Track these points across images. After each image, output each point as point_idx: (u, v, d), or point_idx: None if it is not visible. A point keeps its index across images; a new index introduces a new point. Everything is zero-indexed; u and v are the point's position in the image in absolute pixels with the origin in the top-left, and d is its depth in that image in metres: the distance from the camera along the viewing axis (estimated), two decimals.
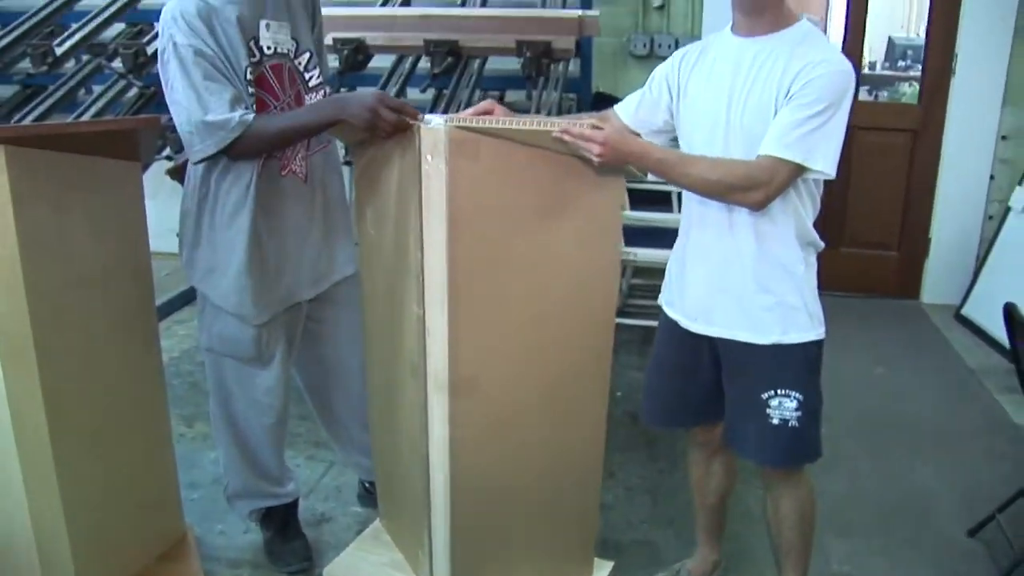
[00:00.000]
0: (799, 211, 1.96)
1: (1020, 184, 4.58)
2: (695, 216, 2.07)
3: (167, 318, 4.19)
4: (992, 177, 4.76)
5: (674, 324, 2.16)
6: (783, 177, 1.85)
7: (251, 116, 2.05)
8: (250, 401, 2.41)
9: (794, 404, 2.00)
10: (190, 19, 2.04)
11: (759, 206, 1.89)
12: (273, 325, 2.32)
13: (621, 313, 4.33)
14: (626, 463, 3.17)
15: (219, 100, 2.03)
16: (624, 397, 3.61)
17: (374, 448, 2.42)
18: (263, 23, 2.16)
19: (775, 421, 2.01)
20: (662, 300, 2.23)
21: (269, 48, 2.18)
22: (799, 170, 1.85)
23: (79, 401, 2.00)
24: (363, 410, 2.45)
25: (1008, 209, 4.61)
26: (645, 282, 4.67)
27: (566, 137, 1.73)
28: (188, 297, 4.17)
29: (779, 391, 2.00)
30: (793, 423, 2.00)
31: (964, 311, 4.70)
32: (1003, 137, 4.70)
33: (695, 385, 2.18)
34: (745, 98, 1.91)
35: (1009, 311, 2.54)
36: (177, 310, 4.30)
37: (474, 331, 1.84)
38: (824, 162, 1.84)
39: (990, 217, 4.80)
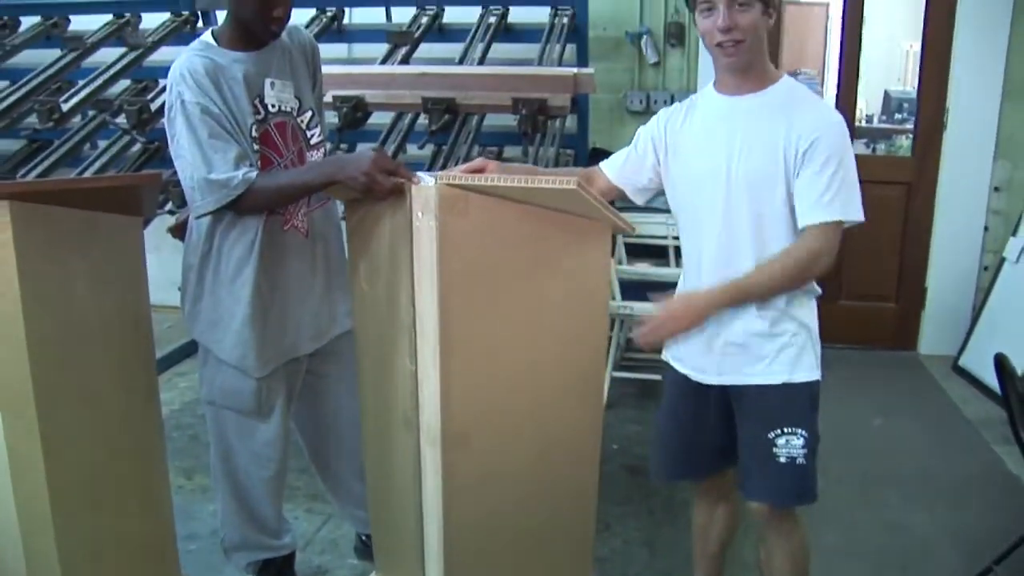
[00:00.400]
0: None
1: (1014, 235, 4.62)
2: (696, 269, 2.12)
3: (168, 370, 4.23)
4: (986, 228, 4.80)
5: (683, 378, 2.19)
6: (833, 237, 1.97)
7: (254, 174, 2.09)
8: (250, 454, 2.43)
9: (800, 442, 2.05)
10: (198, 77, 2.09)
11: (827, 270, 1.99)
12: (274, 378, 2.35)
13: (619, 367, 4.35)
14: (623, 516, 3.17)
15: (223, 158, 2.08)
16: (621, 450, 3.61)
17: (370, 500, 2.42)
18: (268, 82, 2.21)
19: (782, 460, 2.05)
20: (668, 356, 2.25)
21: (274, 106, 2.23)
22: (841, 225, 1.96)
23: (78, 452, 2.01)
24: (360, 463, 2.46)
25: (1003, 260, 4.64)
26: None
27: (650, 338, 2.02)
28: (189, 350, 4.22)
29: (786, 429, 2.05)
30: (800, 460, 2.05)
31: (961, 362, 4.71)
32: (995, 188, 4.74)
33: (706, 436, 2.22)
34: (747, 152, 1.99)
35: (1000, 361, 2.56)
36: (178, 362, 4.35)
37: (466, 385, 1.86)
38: (856, 211, 1.98)
39: (985, 268, 4.83)
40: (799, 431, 2.05)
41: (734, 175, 2.00)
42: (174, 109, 2.11)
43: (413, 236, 1.81)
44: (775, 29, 2.04)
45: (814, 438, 2.08)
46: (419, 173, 1.87)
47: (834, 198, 1.94)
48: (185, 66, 2.12)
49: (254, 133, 2.17)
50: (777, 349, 2.06)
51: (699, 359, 2.14)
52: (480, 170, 1.95)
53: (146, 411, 2.28)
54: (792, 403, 2.06)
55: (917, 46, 4.96)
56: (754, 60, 2.00)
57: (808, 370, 2.08)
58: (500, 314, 1.87)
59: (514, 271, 1.87)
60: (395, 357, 1.97)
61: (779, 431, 2.05)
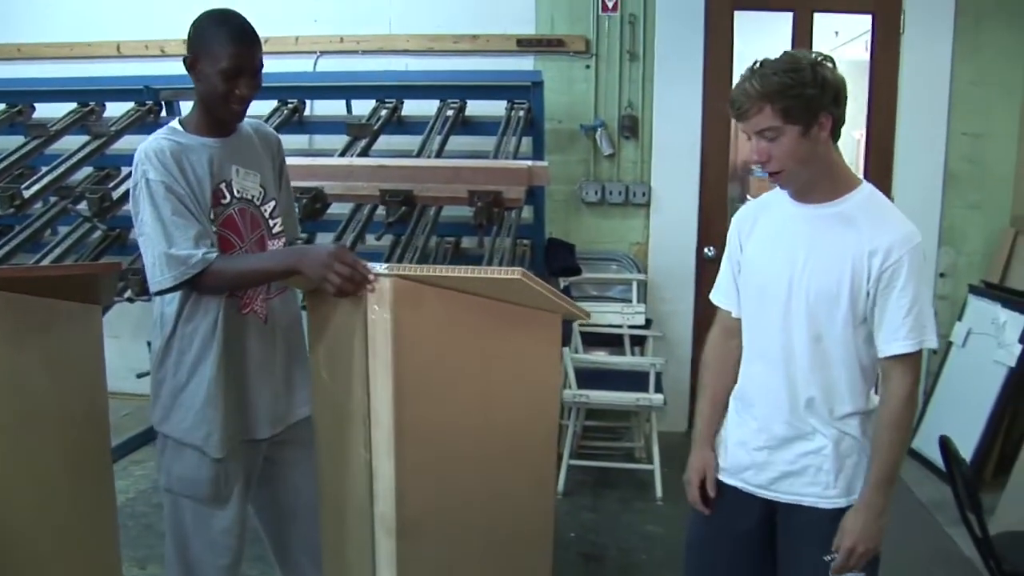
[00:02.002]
0: (870, 391, 2.00)
1: (959, 319, 4.74)
2: (751, 377, 2.10)
3: (124, 458, 4.17)
4: (935, 313, 4.89)
5: (726, 488, 2.14)
6: (919, 365, 1.93)
7: (213, 255, 2.12)
8: (206, 542, 2.40)
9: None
10: (163, 157, 2.14)
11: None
12: (231, 463, 2.33)
13: (575, 455, 4.36)
14: None
15: (184, 235, 2.11)
16: (577, 538, 3.60)
17: None
18: (234, 168, 2.26)
19: None
20: (719, 471, 2.18)
21: (238, 192, 2.27)
22: (922, 352, 1.92)
23: (28, 538, 2.01)
24: (319, 551, 2.45)
25: (950, 344, 4.75)
26: (598, 423, 4.72)
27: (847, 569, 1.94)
28: (146, 437, 4.17)
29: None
30: None
31: (914, 445, 4.75)
32: (941, 275, 4.90)
33: (743, 551, 2.15)
34: (810, 268, 1.94)
35: (944, 444, 2.63)
36: (135, 450, 4.29)
37: (419, 475, 1.89)
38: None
39: (934, 352, 4.91)
40: None
41: (795, 292, 1.96)
42: (139, 187, 2.15)
43: (368, 328, 1.85)
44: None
45: (874, 558, 2.01)
46: (372, 264, 1.90)
47: (916, 325, 1.88)
48: (151, 147, 2.17)
49: (216, 216, 2.22)
50: (838, 470, 1.99)
51: (751, 473, 2.09)
52: None
53: (99, 499, 2.27)
54: None
55: None
56: (811, 181, 1.95)
57: None
58: (453, 403, 1.91)
59: (466, 361, 1.91)
60: (350, 446, 1.99)
61: (835, 555, 1.97)
